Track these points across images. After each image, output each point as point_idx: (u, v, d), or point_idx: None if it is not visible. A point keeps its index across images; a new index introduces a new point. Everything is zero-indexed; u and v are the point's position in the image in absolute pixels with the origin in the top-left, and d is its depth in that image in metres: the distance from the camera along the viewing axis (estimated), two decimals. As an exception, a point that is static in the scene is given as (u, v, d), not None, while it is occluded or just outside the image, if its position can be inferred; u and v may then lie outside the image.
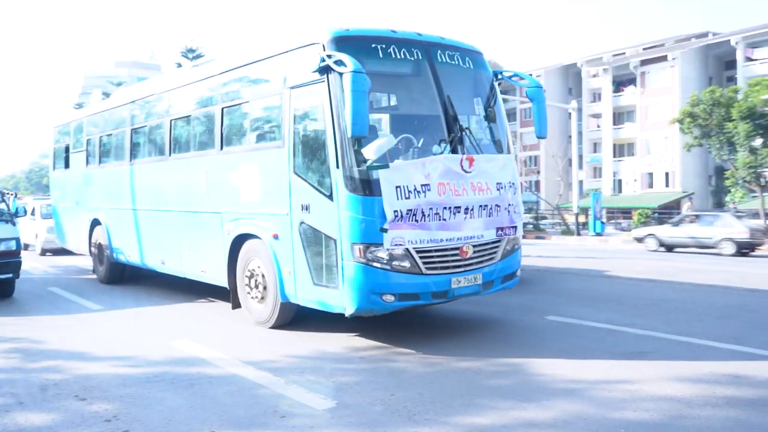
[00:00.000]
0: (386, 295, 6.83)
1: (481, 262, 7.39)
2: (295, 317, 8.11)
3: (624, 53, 61.48)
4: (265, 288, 8.09)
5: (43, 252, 19.78)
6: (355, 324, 7.61)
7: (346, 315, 6.95)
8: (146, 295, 11.12)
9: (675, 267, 16.58)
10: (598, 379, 5.90)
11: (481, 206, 7.29)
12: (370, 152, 6.72)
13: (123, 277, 12.39)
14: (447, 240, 7.06)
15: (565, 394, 5.46)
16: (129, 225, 11.35)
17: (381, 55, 7.11)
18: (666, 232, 24.28)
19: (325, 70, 6.92)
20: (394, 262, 6.81)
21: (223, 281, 8.91)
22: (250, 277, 8.31)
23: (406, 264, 6.85)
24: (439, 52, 7.54)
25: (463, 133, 7.35)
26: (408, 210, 6.78)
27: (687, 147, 33.86)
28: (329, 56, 6.82)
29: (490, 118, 7.87)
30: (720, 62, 57.46)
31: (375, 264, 6.76)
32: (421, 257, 6.92)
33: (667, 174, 56.27)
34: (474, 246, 7.30)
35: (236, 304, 8.77)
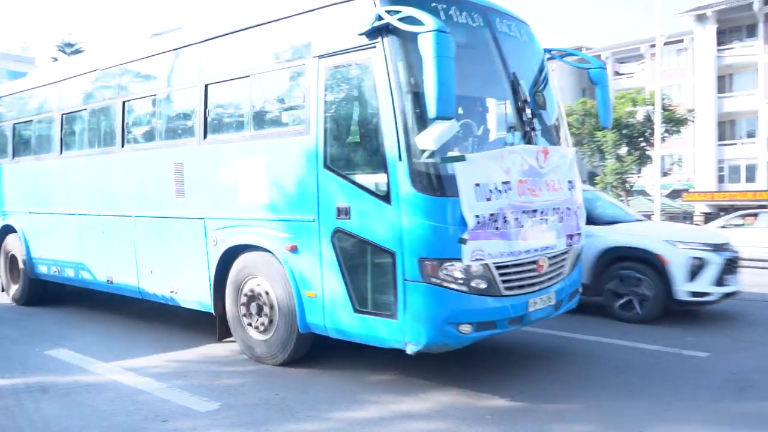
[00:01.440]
0: (463, 324, 5.04)
1: (552, 278, 5.76)
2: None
3: (504, 65, 62.32)
4: (271, 319, 6.04)
5: None
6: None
7: (409, 352, 5.08)
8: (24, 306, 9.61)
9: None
10: (471, 371, 5.81)
11: (554, 209, 5.67)
12: (429, 141, 4.90)
13: (44, 296, 9.64)
14: (525, 252, 5.37)
15: (441, 387, 5.42)
16: (59, 233, 8.67)
17: (443, 18, 5.28)
18: None
19: (377, 31, 5.05)
20: (472, 282, 5.03)
21: (204, 305, 6.72)
22: (250, 300, 6.21)
23: (484, 284, 5.09)
24: (498, 20, 5.84)
25: (535, 119, 5.71)
26: (490, 215, 5.04)
27: (562, 154, 34.55)
28: (390, 12, 4.94)
29: (548, 102, 6.24)
30: (592, 75, 59.40)
31: (450, 285, 4.96)
32: (500, 274, 5.19)
33: (545, 178, 57.49)
34: (548, 258, 5.66)
35: (224, 334, 6.62)
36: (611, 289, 8.16)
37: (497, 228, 5.10)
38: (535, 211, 5.43)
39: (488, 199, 5.03)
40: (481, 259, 5.01)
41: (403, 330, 5.03)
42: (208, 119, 6.57)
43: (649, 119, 29.20)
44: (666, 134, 29.27)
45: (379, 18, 4.98)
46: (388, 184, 5.03)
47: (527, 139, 5.55)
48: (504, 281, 5.21)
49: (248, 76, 6.18)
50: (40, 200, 9.06)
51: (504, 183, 5.15)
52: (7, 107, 10.06)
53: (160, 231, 7.14)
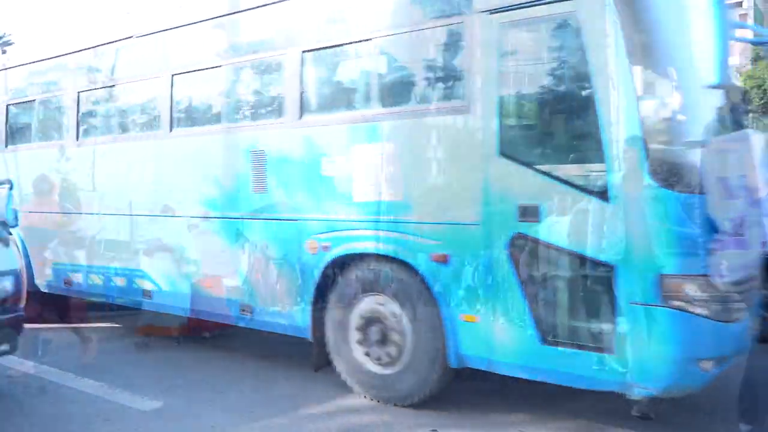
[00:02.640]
0: (705, 360, 3.69)
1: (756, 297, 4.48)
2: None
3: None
4: (401, 348, 4.50)
5: None
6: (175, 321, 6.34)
7: (635, 397, 3.69)
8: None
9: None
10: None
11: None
12: (671, 118, 3.59)
13: (42, 312, 7.64)
14: (753, 264, 4.06)
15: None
16: (72, 238, 6.72)
17: None
18: None
19: None
20: (714, 305, 3.69)
21: (295, 327, 5.09)
22: (368, 323, 4.65)
23: (722, 307, 3.75)
24: None
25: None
26: (740, 218, 3.72)
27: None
28: None
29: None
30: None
31: (696, 309, 3.59)
32: (736, 293, 3.87)
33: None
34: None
35: (322, 363, 5.03)
36: None
37: (739, 234, 3.78)
38: (759, 212, 4.15)
39: (731, 197, 3.70)
40: (725, 275, 3.67)
41: (626, 368, 3.64)
42: (305, 94, 4.95)
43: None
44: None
45: None
46: (606, 176, 3.62)
47: (737, 122, 4.27)
48: (737, 300, 3.90)
49: (369, 39, 4.62)
50: (45, 197, 7.10)
51: (742, 176, 3.84)
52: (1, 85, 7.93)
53: (228, 236, 5.44)
